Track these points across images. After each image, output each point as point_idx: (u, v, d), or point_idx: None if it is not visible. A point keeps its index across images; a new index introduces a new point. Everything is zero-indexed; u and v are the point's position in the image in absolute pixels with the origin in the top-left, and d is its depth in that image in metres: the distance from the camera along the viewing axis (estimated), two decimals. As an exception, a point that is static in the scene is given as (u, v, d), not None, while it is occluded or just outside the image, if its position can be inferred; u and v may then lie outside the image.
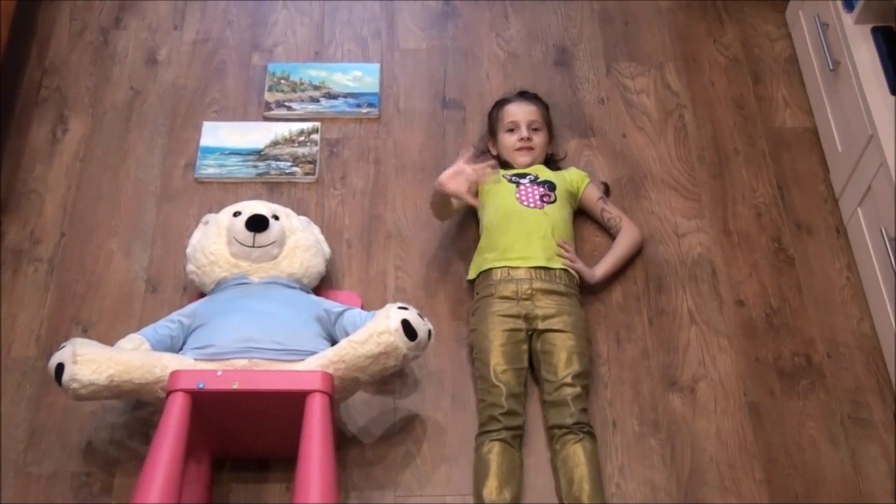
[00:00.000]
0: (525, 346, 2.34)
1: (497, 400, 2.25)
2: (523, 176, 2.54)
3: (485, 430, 2.24)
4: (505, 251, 2.42)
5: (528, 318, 2.34)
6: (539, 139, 2.60)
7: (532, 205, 2.47)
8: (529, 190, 2.50)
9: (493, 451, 2.20)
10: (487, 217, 2.50)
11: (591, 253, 2.57)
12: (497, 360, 2.29)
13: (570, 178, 2.58)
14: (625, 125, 2.84)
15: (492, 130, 2.68)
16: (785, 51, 3.00)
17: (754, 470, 2.27)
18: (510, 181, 2.53)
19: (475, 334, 2.37)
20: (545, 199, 2.48)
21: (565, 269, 2.41)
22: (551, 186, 2.52)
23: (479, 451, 2.23)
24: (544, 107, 2.69)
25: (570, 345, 2.31)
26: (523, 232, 2.43)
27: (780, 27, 3.05)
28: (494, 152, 2.66)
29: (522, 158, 2.58)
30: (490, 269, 2.41)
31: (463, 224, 2.63)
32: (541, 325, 2.33)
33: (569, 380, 2.27)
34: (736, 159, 2.78)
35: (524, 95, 2.69)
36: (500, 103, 2.68)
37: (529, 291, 2.36)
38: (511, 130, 2.60)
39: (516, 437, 2.24)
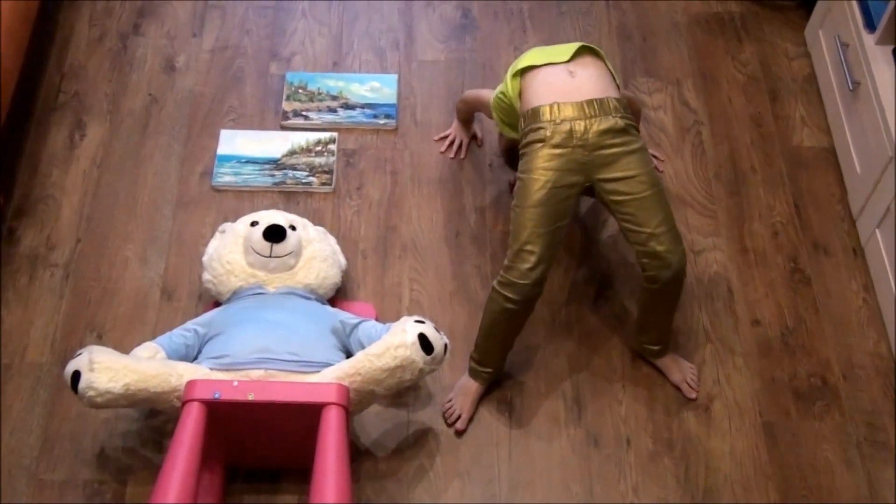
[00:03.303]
0: (573, 201, 2.25)
1: (522, 267, 2.19)
2: None
3: (502, 288, 2.22)
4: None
5: (585, 168, 2.22)
6: None
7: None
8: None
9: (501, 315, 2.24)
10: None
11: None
12: (535, 223, 2.19)
13: None
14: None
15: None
16: (803, 70, 3.00)
17: (769, 491, 2.26)
18: None
19: (520, 183, 2.24)
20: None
21: (618, 98, 2.27)
22: None
23: (490, 304, 2.26)
24: None
25: (642, 188, 2.20)
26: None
27: (798, 46, 3.05)
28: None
29: None
30: (538, 107, 2.25)
31: (479, 238, 2.63)
32: (603, 174, 2.22)
33: (653, 228, 2.19)
34: (753, 177, 2.77)
35: None
36: None
37: (585, 137, 2.20)
38: None
39: (528, 306, 2.24)
